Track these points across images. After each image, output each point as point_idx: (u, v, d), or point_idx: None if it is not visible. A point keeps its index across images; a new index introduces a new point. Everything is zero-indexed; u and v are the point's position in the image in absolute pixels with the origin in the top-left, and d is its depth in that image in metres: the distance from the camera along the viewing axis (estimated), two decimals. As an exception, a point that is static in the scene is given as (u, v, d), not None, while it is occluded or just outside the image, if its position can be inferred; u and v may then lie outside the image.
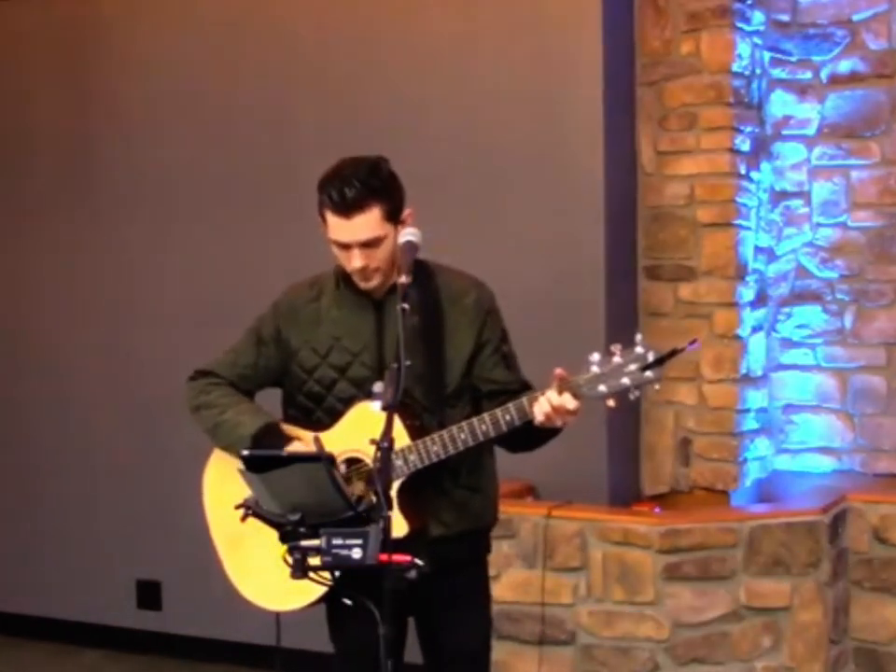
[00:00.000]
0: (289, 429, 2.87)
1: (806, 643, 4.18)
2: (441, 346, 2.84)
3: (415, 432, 2.76)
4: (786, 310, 4.85)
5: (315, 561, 2.30)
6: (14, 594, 5.62)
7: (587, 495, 4.38)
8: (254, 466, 2.35)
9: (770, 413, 4.84)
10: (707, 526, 4.16)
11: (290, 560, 2.32)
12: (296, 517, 2.33)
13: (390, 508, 2.34)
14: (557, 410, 2.61)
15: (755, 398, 4.72)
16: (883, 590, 4.38)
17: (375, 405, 2.70)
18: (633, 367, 2.59)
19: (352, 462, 2.78)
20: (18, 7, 5.50)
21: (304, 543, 2.31)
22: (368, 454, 2.68)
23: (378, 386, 2.75)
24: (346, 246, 2.78)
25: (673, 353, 2.57)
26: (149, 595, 5.32)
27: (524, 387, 2.82)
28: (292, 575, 2.32)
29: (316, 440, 2.52)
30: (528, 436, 2.75)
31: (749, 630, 4.16)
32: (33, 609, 5.58)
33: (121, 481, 5.34)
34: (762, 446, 4.77)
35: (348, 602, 2.53)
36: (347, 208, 2.74)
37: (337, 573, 2.46)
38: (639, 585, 4.14)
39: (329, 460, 2.31)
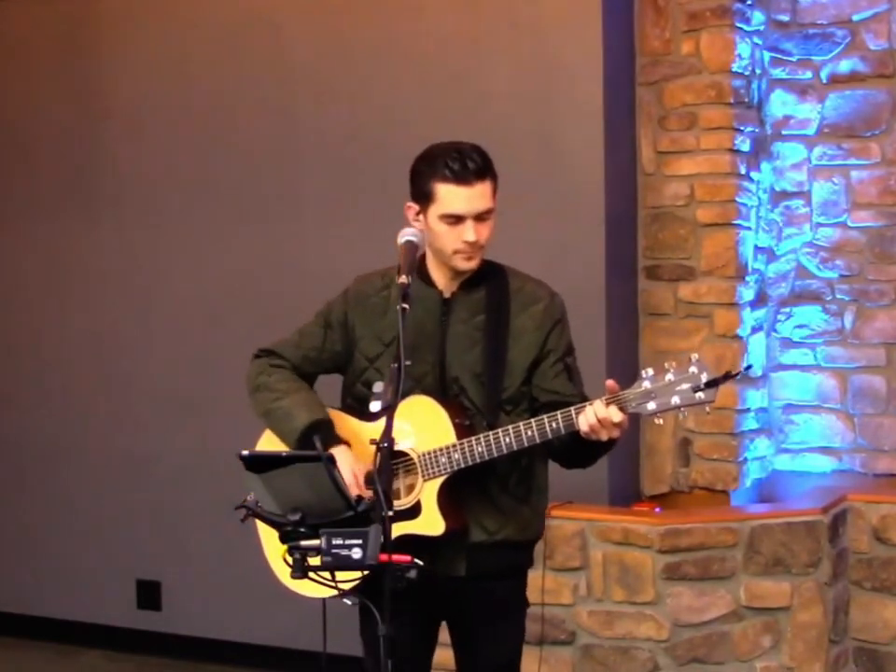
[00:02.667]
0: (341, 423, 2.84)
1: (806, 643, 4.18)
2: (503, 348, 2.82)
3: (463, 431, 2.74)
4: (786, 310, 4.85)
5: (315, 561, 2.30)
6: (14, 594, 5.62)
7: (587, 495, 4.38)
8: (254, 466, 2.35)
9: (770, 413, 4.84)
10: (707, 526, 4.16)
11: (290, 560, 2.32)
12: (296, 517, 2.33)
13: (390, 507, 2.34)
14: (602, 422, 2.59)
15: (755, 397, 4.72)
16: (883, 590, 4.38)
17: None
18: (685, 386, 2.56)
19: (398, 455, 2.75)
20: (18, 7, 5.50)
21: (304, 543, 2.31)
22: (415, 448, 2.72)
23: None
24: (460, 219, 2.76)
25: (727, 376, 2.54)
26: (149, 595, 5.31)
27: (584, 402, 2.71)
28: (292, 575, 2.32)
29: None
30: (579, 448, 2.72)
31: (749, 630, 4.16)
32: (33, 609, 5.58)
33: (121, 481, 5.34)
34: (762, 446, 4.77)
35: (348, 602, 2.52)
36: (471, 176, 2.75)
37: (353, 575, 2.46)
38: (639, 585, 4.14)
39: (330, 460, 2.31)
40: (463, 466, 2.71)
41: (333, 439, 2.80)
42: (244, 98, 5.07)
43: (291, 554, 2.32)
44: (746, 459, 4.66)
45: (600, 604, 4.20)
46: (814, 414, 4.83)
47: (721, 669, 4.15)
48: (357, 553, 2.24)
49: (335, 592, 2.66)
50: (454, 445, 2.71)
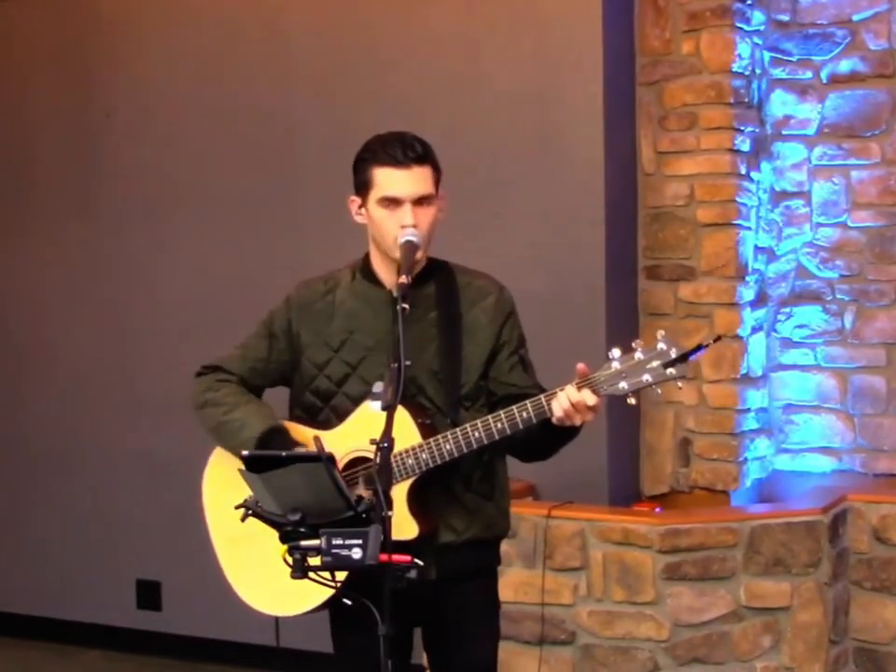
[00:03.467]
0: (295, 432, 2.80)
1: (806, 643, 4.18)
2: (457, 345, 2.78)
3: (427, 431, 2.70)
4: (786, 310, 4.85)
5: (315, 561, 2.30)
6: (14, 594, 5.62)
7: (587, 495, 4.38)
8: (254, 466, 2.35)
9: (770, 413, 4.84)
10: (707, 526, 4.16)
11: (290, 560, 2.32)
12: (296, 517, 2.33)
13: (390, 508, 2.33)
14: (576, 406, 2.54)
15: (755, 398, 4.72)
16: (883, 590, 4.38)
17: (375, 405, 2.68)
18: (655, 363, 2.52)
19: (358, 461, 2.73)
20: (18, 7, 5.50)
21: (304, 543, 2.31)
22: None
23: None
24: (398, 203, 2.72)
25: (697, 349, 2.51)
26: (149, 595, 5.32)
27: (541, 393, 2.67)
28: (292, 575, 2.31)
29: (316, 439, 2.50)
30: (545, 438, 2.67)
31: (749, 630, 4.16)
32: (33, 609, 5.58)
33: (122, 481, 5.34)
34: (762, 446, 4.77)
35: (348, 602, 2.52)
36: (408, 160, 2.72)
37: (340, 577, 2.45)
38: (639, 585, 4.14)
39: (330, 460, 2.31)
40: (432, 466, 2.66)
41: (291, 443, 2.75)
42: (244, 98, 5.07)
43: (291, 554, 2.32)
44: (746, 459, 4.66)
45: (600, 604, 4.20)
46: (814, 414, 4.83)
47: (721, 669, 4.15)
48: (357, 553, 2.24)
49: (297, 612, 2.68)
50: (420, 445, 2.66)
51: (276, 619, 2.68)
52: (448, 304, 2.81)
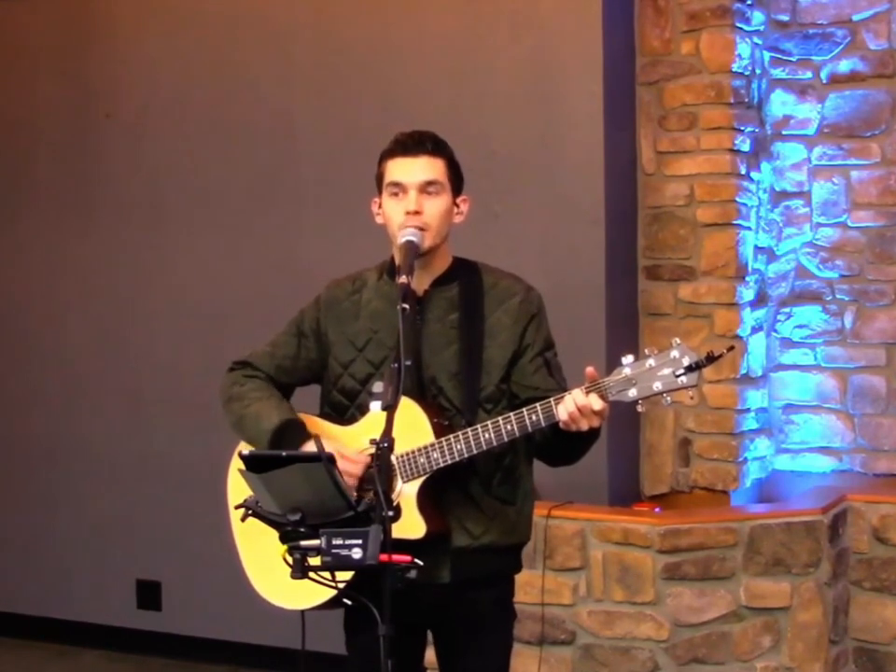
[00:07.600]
0: (314, 427, 2.80)
1: (806, 643, 4.18)
2: (479, 346, 2.76)
3: (441, 431, 2.69)
4: (786, 310, 4.85)
5: (315, 561, 2.30)
6: (14, 594, 5.62)
7: (587, 495, 4.38)
8: (254, 466, 2.35)
9: (770, 413, 4.84)
10: (707, 526, 4.16)
11: (290, 560, 2.32)
12: (296, 517, 2.33)
13: (390, 508, 2.33)
14: (582, 410, 2.52)
15: (755, 398, 4.72)
16: (883, 590, 4.38)
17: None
18: (666, 371, 2.49)
19: (373, 458, 2.70)
20: (18, 7, 5.50)
21: (304, 543, 2.31)
22: (393, 449, 2.63)
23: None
24: (404, 190, 2.74)
25: (710, 358, 2.47)
26: (149, 595, 5.31)
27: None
28: (292, 575, 2.31)
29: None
30: (561, 442, 2.65)
31: (749, 630, 4.16)
32: (33, 609, 5.58)
33: (122, 480, 5.34)
34: (762, 446, 4.77)
35: (348, 602, 2.52)
36: (416, 149, 2.75)
37: (346, 576, 2.44)
38: (639, 585, 4.14)
39: (329, 460, 2.31)
40: (442, 465, 2.65)
41: (306, 437, 2.75)
42: (244, 98, 5.07)
43: (291, 554, 2.32)
44: (746, 459, 4.66)
45: (600, 604, 4.20)
46: (814, 414, 4.83)
47: (721, 669, 4.15)
48: (357, 553, 2.24)
49: (310, 605, 2.66)
50: (432, 444, 2.66)
51: (303, 618, 2.65)
52: (471, 306, 2.79)
